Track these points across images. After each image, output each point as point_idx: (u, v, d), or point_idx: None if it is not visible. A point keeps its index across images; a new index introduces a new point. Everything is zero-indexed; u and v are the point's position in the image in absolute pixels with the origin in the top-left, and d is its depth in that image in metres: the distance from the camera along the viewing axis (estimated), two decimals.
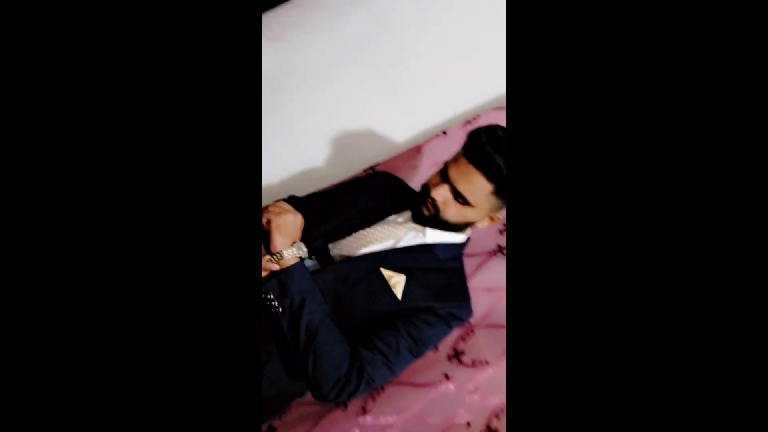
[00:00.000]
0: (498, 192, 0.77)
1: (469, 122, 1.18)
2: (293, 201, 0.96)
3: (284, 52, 1.11)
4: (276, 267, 0.75)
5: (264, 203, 0.99)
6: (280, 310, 0.75)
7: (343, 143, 1.24)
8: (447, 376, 0.90)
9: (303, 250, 0.79)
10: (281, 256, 0.75)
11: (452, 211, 0.79)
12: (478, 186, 0.76)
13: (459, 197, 0.77)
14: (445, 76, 1.18)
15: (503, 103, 1.14)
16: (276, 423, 0.91)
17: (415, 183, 1.06)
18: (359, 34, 1.14)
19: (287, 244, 0.77)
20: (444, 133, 1.19)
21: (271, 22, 1.07)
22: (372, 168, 1.20)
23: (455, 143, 1.11)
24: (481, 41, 1.15)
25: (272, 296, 0.75)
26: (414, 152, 1.19)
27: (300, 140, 1.21)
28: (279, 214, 0.77)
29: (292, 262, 0.75)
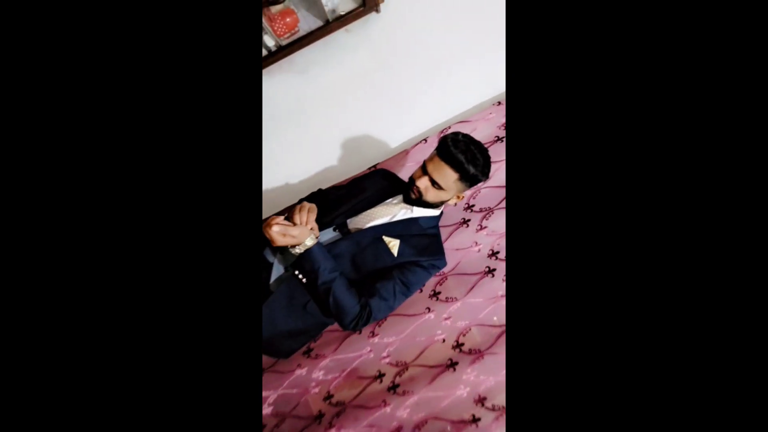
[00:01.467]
0: (462, 178, 0.91)
1: (442, 132, 1.35)
2: (320, 193, 1.16)
3: (307, 82, 1.34)
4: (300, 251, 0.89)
5: (299, 193, 1.24)
6: (305, 280, 0.92)
7: (352, 148, 1.42)
8: (429, 309, 1.14)
9: (314, 241, 0.90)
10: (301, 248, 0.88)
11: (431, 194, 0.95)
12: (447, 175, 0.92)
13: (435, 184, 0.93)
14: (424, 99, 1.37)
15: (466, 118, 1.34)
16: (312, 345, 1.14)
17: (404, 176, 1.28)
18: (360, 67, 1.36)
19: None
20: (425, 140, 1.36)
21: (297, 59, 1.28)
22: (374, 166, 1.36)
23: (433, 148, 1.24)
24: (448, 75, 1.37)
25: (297, 272, 0.92)
26: (403, 155, 1.36)
27: (321, 146, 1.40)
28: (294, 235, 0.85)
29: (304, 249, 0.89)
